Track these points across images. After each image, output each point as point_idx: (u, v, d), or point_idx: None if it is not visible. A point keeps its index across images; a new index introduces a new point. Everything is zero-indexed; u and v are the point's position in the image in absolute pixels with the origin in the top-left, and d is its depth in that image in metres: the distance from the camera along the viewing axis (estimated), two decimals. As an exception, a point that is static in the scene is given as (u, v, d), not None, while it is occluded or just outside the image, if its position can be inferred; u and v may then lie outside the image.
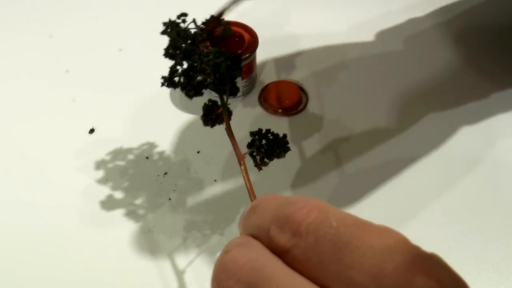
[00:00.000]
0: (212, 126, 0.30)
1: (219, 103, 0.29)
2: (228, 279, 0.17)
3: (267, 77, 0.45)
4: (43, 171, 0.38)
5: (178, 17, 0.29)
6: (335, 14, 0.51)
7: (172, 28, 0.28)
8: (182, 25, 0.29)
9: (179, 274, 0.33)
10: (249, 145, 0.28)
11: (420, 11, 0.52)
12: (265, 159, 0.28)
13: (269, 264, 0.17)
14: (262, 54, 0.44)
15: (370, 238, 0.16)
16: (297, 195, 0.18)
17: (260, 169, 0.28)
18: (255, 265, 0.17)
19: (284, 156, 0.28)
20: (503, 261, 0.34)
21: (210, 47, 0.28)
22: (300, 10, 0.52)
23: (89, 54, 0.47)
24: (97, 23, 0.50)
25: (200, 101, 0.42)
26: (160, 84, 0.29)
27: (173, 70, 0.28)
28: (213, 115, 0.29)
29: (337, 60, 0.47)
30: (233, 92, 0.28)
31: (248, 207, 0.20)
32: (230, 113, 0.29)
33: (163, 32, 0.29)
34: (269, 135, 0.28)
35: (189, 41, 0.28)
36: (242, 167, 0.26)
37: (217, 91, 0.28)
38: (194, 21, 0.29)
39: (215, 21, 0.30)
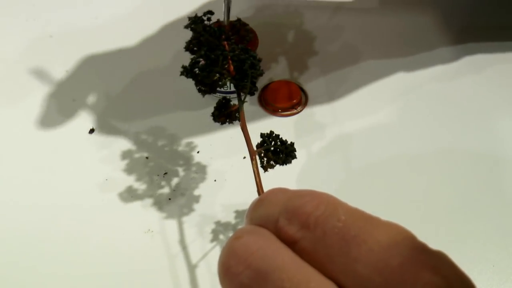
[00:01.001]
0: (222, 123, 0.30)
1: (232, 103, 0.30)
2: (238, 265, 0.17)
3: (267, 77, 0.45)
4: (42, 171, 0.38)
5: (204, 14, 0.29)
6: (336, 16, 0.51)
7: (197, 23, 0.29)
8: (206, 22, 0.29)
9: (178, 274, 0.33)
10: (259, 146, 0.28)
11: (420, 11, 0.52)
12: (272, 162, 0.28)
13: (280, 253, 0.17)
14: (262, 54, 0.44)
15: (378, 233, 0.16)
16: (305, 189, 0.18)
17: (266, 170, 0.29)
18: (266, 253, 0.16)
19: (290, 162, 0.29)
20: (503, 261, 0.34)
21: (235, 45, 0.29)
22: (300, 10, 0.52)
23: (89, 54, 0.47)
24: (97, 23, 0.50)
25: (200, 103, 0.42)
26: (180, 73, 0.29)
27: (195, 61, 0.29)
28: (226, 112, 0.30)
29: (337, 60, 0.47)
30: (252, 91, 0.29)
31: (256, 199, 0.20)
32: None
33: (187, 26, 0.29)
34: (278, 141, 0.29)
35: (214, 36, 0.28)
36: (254, 162, 0.26)
37: (236, 87, 0.28)
38: (218, 21, 0.30)
39: (239, 24, 0.31)
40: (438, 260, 0.15)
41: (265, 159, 0.29)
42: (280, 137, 0.29)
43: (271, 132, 0.29)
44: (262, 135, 0.29)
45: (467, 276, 0.15)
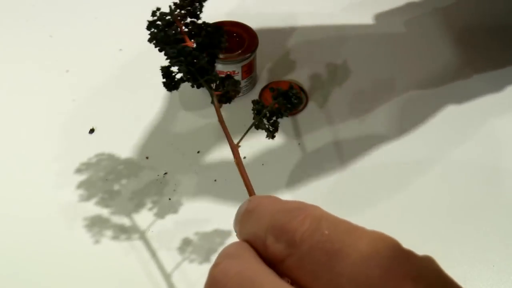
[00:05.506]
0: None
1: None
2: None
3: (267, 77, 0.45)
4: (43, 171, 0.38)
5: (153, 14, 0.29)
6: (336, 15, 0.51)
7: (150, 29, 0.29)
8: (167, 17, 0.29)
9: (179, 274, 0.33)
10: (257, 113, 0.28)
11: (420, 12, 0.52)
12: (273, 126, 0.27)
13: (258, 275, 0.16)
14: (262, 54, 0.44)
15: (361, 245, 0.16)
16: (293, 201, 0.18)
17: (273, 136, 0.27)
18: (244, 277, 0.17)
19: (294, 108, 0.27)
20: (503, 261, 0.34)
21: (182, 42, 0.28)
22: (300, 10, 0.52)
23: (89, 54, 0.47)
24: (97, 23, 0.50)
25: (200, 101, 0.42)
26: (166, 90, 0.29)
27: (166, 71, 0.29)
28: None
29: (337, 60, 0.47)
30: (210, 80, 0.28)
31: (244, 207, 0.20)
32: (238, 90, 0.29)
33: (149, 40, 0.29)
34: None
35: (165, 29, 0.28)
36: (236, 160, 0.25)
37: (193, 87, 0.28)
38: (170, 7, 0.29)
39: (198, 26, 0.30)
40: (422, 268, 0.15)
41: (267, 126, 0.27)
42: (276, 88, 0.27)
43: (257, 101, 0.28)
44: (253, 101, 0.28)
45: (454, 282, 0.15)
